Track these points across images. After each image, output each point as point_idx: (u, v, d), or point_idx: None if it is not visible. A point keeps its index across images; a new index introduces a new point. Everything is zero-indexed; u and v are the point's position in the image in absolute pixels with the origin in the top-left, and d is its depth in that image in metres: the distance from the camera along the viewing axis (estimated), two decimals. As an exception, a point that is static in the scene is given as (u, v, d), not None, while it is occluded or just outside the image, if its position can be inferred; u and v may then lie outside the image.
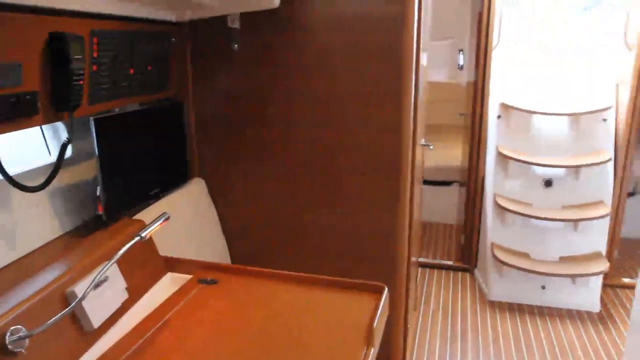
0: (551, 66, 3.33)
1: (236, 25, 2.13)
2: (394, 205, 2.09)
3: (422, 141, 2.58)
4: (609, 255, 3.28)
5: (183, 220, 2.03)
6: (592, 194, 3.16)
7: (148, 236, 1.31)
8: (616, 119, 3.21)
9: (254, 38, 2.12)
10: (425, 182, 4.56)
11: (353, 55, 2.01)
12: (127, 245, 1.25)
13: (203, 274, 1.68)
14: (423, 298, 3.29)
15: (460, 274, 3.62)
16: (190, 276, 1.67)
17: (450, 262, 3.72)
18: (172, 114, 2.15)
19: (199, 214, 2.16)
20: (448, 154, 4.62)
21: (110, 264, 1.23)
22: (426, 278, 3.56)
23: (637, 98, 3.06)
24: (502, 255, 3.11)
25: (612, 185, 3.16)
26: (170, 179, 2.11)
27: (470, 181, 3.50)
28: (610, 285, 3.37)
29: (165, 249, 1.75)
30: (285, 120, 2.15)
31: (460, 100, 3.91)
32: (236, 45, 2.13)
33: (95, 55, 1.53)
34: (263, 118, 2.18)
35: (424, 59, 2.42)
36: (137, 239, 1.27)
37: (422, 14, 2.02)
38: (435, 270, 3.67)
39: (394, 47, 1.94)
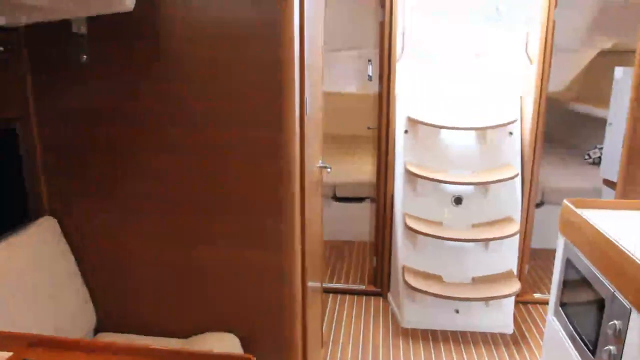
0: (457, 79, 3.20)
1: (83, 31, 1.74)
2: (278, 244, 1.79)
3: (320, 162, 2.31)
4: (520, 272, 3.19)
5: (20, 273, 1.61)
6: (501, 209, 3.05)
7: None
8: (522, 132, 3.13)
9: (105, 47, 1.74)
10: (338, 199, 4.35)
11: (226, 68, 1.69)
12: None
13: (27, 353, 1.28)
14: (332, 331, 3.02)
15: (372, 299, 3.39)
16: (9, 354, 1.27)
17: (362, 287, 3.49)
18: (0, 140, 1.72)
19: (46, 263, 1.75)
20: (361, 169, 4.43)
21: None
22: (337, 306, 3.29)
23: (540, 110, 2.99)
24: (413, 280, 2.91)
25: (521, 199, 3.07)
26: (0, 220, 1.68)
27: (379, 199, 3.29)
28: (523, 302, 3.28)
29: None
30: (150, 146, 1.79)
31: (371, 112, 3.71)
32: (85, 56, 1.74)
33: None
34: (125, 142, 1.81)
35: (317, 71, 2.15)
36: None
37: (306, 20, 1.74)
38: (347, 297, 3.42)
39: (271, 59, 1.65)
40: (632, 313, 1.40)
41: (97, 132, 1.81)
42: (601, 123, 4.65)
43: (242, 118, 1.71)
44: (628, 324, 1.42)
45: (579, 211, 1.82)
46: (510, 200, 3.05)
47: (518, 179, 3.02)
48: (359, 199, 4.28)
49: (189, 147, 1.76)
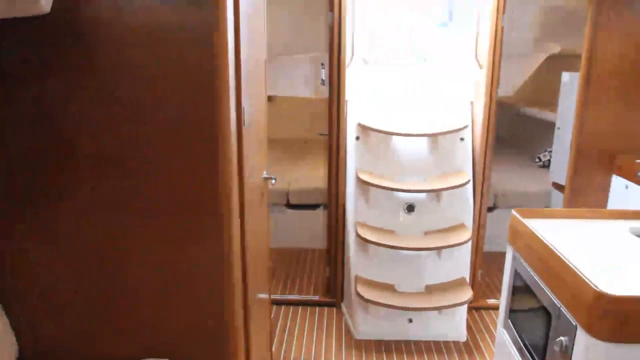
0: (408, 84, 3.16)
1: (-9, 35, 1.57)
2: (216, 262, 1.68)
3: (264, 174, 2.20)
4: (473, 279, 3.17)
5: None
6: (454, 216, 3.02)
7: None
8: (473, 137, 3.11)
9: (17, 54, 1.58)
10: (292, 206, 4.24)
11: (153, 76, 1.56)
12: None
13: None
14: (284, 346, 2.91)
15: (326, 309, 3.30)
16: None
17: (316, 297, 3.39)
18: None
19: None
20: (314, 175, 4.34)
21: None
22: (289, 319, 3.18)
23: (490, 115, 2.98)
24: (366, 291, 2.83)
25: (473, 205, 3.05)
26: None
27: (332, 207, 3.20)
28: (476, 308, 3.26)
29: None
30: (71, 164, 1.64)
31: (326, 116, 3.62)
32: (-6, 64, 1.57)
33: None
34: (41, 159, 1.65)
35: (259, 76, 2.05)
36: None
37: (242, 23, 1.63)
38: (300, 308, 3.32)
39: (203, 65, 1.53)
40: (577, 330, 1.35)
41: (9, 150, 1.64)
42: (550, 126, 4.72)
43: (172, 131, 1.58)
44: (574, 341, 1.38)
45: (526, 222, 1.78)
46: (462, 206, 3.02)
47: (470, 186, 3.00)
48: (313, 206, 4.19)
49: (113, 164, 1.62)
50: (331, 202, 3.19)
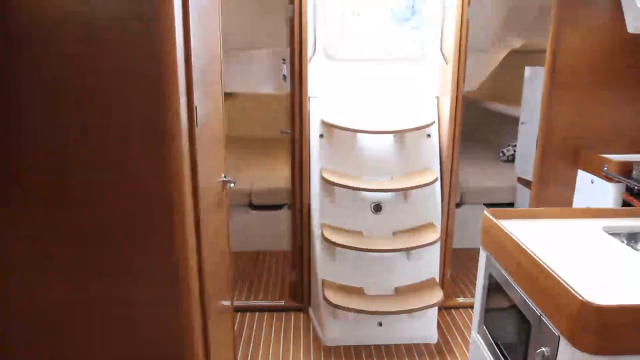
0: (372, 80, 3.05)
1: None
2: (170, 275, 1.52)
3: (222, 177, 2.05)
4: (443, 278, 3.10)
5: None
6: (422, 215, 2.94)
7: None
8: (439, 133, 3.04)
9: None
10: (254, 207, 4.08)
11: (91, 76, 1.39)
12: None
13: None
14: (249, 355, 2.76)
15: (293, 315, 3.17)
16: None
17: (282, 302, 3.26)
18: None
19: None
20: (277, 174, 4.20)
21: None
22: (254, 326, 3.04)
23: (457, 111, 2.91)
24: (334, 296, 2.72)
25: (440, 203, 2.97)
26: None
27: (296, 208, 3.07)
28: (446, 307, 3.20)
29: None
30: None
31: (288, 113, 3.48)
32: None
33: None
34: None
35: (214, 73, 1.89)
36: None
37: (192, 15, 1.48)
38: (266, 314, 3.18)
39: (148, 63, 1.37)
40: (560, 341, 1.27)
41: None
42: (513, 121, 4.72)
43: (116, 134, 1.42)
44: (557, 352, 1.30)
45: (499, 223, 1.70)
46: (430, 204, 2.94)
47: (438, 183, 2.92)
48: (277, 206, 4.05)
49: (48, 171, 1.44)
50: (295, 202, 3.06)
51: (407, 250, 2.75)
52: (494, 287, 1.73)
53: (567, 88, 2.85)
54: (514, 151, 4.74)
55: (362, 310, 2.65)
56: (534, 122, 3.67)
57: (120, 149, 1.43)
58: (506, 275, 1.60)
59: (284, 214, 3.99)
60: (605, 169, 2.73)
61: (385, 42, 3.05)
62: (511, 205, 4.11)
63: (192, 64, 1.48)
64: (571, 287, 1.23)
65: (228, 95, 5.73)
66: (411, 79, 3.05)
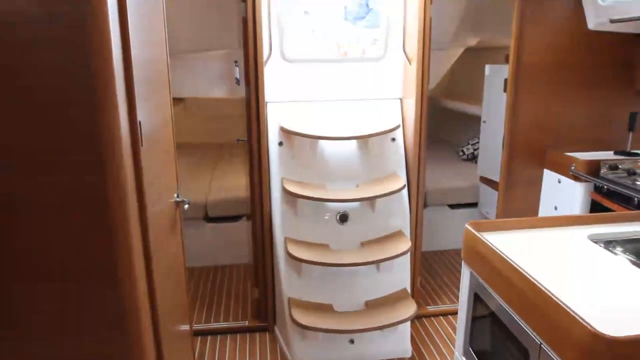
0: (333, 83, 2.88)
1: None
2: (117, 316, 1.30)
3: (175, 197, 1.82)
4: (413, 286, 2.97)
5: None
6: (390, 223, 2.80)
7: None
8: (404, 137, 2.91)
9: None
10: (210, 220, 3.84)
11: (12, 88, 1.15)
12: None
13: None
14: (212, 386, 2.54)
15: (258, 335, 2.96)
16: None
17: (245, 323, 3.04)
18: None
19: None
20: (234, 183, 3.97)
21: None
22: (216, 352, 2.81)
23: (422, 112, 2.78)
24: (301, 315, 2.53)
25: (408, 209, 2.84)
26: None
27: (256, 222, 2.85)
28: (417, 317, 3.07)
29: None
30: None
31: (244, 118, 3.26)
32: None
33: None
34: None
35: (160, 80, 1.67)
36: None
37: (130, 14, 1.25)
38: (228, 337, 2.95)
39: (79, 71, 1.15)
40: (567, 374, 1.14)
41: None
42: (472, 119, 4.69)
43: (44, 158, 1.18)
44: (562, 385, 1.16)
45: (483, 237, 1.57)
46: (398, 211, 2.81)
47: (405, 189, 2.79)
48: (235, 217, 3.82)
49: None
50: (255, 216, 2.85)
51: (378, 262, 2.60)
52: (481, 310, 1.59)
53: (532, 86, 2.79)
54: (474, 149, 4.70)
55: (333, 330, 2.48)
56: (496, 120, 3.61)
57: (52, 175, 1.19)
58: (497, 297, 1.47)
59: (243, 225, 3.77)
60: (573, 168, 2.67)
61: (344, 42, 2.89)
62: (475, 205, 4.05)
63: (133, 72, 1.26)
64: (579, 316, 1.10)
65: (179, 101, 5.46)
66: (373, 80, 2.90)
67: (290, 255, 2.55)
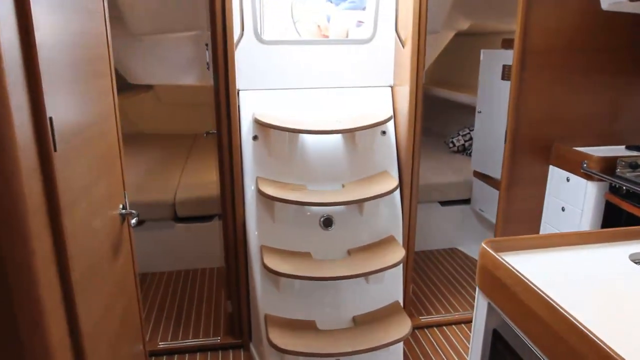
0: (315, 69, 2.53)
1: None
2: None
3: (120, 209, 1.46)
4: (405, 296, 2.66)
5: None
6: (381, 228, 2.48)
7: None
8: (396, 130, 2.58)
9: None
10: (180, 220, 3.48)
11: None
12: None
13: None
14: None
15: (232, 353, 2.63)
16: None
17: (217, 339, 2.70)
18: None
19: None
20: (206, 179, 3.60)
21: None
22: (183, 376, 2.47)
23: (417, 102, 2.44)
24: (280, 336, 2.20)
25: (401, 212, 2.52)
26: None
27: (228, 228, 2.50)
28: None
29: None
30: None
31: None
32: None
33: None
34: None
35: (93, 61, 1.30)
36: None
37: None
38: (198, 355, 2.61)
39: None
40: None
41: None
42: (463, 109, 4.38)
43: None
44: None
45: (505, 261, 1.25)
46: (390, 214, 2.49)
47: (398, 190, 2.47)
48: (207, 217, 3.46)
49: None
50: (227, 220, 2.49)
51: (368, 274, 2.28)
52: (501, 349, 1.28)
53: (538, 75, 2.48)
54: (465, 141, 4.40)
55: (317, 353, 2.16)
56: (492, 110, 3.31)
57: None
58: (523, 336, 1.15)
59: (215, 226, 3.42)
60: (585, 165, 2.38)
61: (330, 25, 2.53)
62: (467, 202, 3.76)
63: (37, 52, 0.89)
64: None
65: (147, 88, 5.02)
66: (360, 65, 2.56)
67: (267, 268, 2.21)
